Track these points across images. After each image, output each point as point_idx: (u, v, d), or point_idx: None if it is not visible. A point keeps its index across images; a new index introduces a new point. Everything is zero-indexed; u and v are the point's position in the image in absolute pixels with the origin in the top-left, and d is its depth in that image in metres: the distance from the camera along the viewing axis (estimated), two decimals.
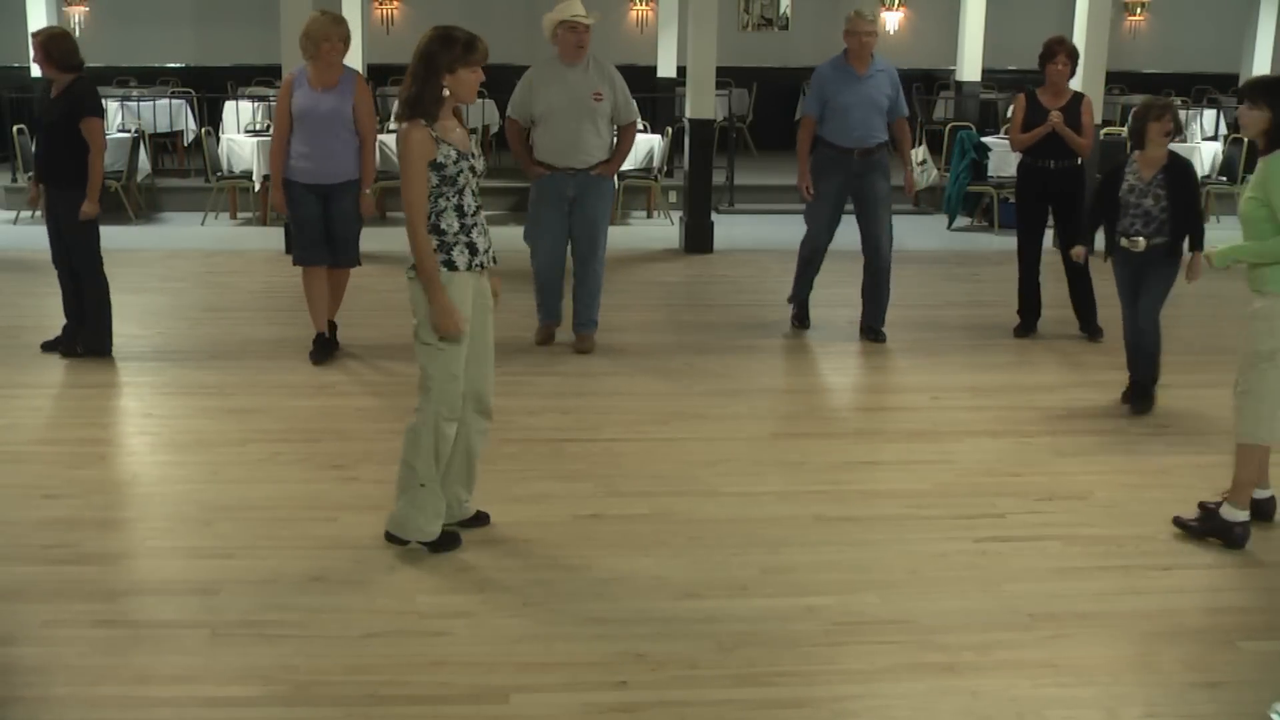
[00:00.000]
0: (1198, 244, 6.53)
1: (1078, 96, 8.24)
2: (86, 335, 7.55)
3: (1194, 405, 6.89)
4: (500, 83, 8.93)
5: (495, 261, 4.84)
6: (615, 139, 7.81)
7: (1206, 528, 5.12)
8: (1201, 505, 5.21)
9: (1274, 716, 3.75)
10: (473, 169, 4.69)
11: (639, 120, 8.45)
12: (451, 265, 4.63)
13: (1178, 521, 5.20)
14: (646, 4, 18.10)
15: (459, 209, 4.66)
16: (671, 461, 5.94)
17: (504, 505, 5.33)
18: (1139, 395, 6.73)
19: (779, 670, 4.06)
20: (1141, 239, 6.53)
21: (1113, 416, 6.65)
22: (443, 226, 4.64)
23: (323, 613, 4.39)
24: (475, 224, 4.71)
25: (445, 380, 4.70)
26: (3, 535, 5.00)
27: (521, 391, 6.96)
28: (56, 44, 7.27)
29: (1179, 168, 6.56)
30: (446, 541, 4.88)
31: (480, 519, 5.11)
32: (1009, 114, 15.46)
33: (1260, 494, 5.23)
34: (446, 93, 4.57)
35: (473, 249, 4.69)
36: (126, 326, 8.15)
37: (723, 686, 3.97)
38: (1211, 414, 6.73)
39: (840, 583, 4.65)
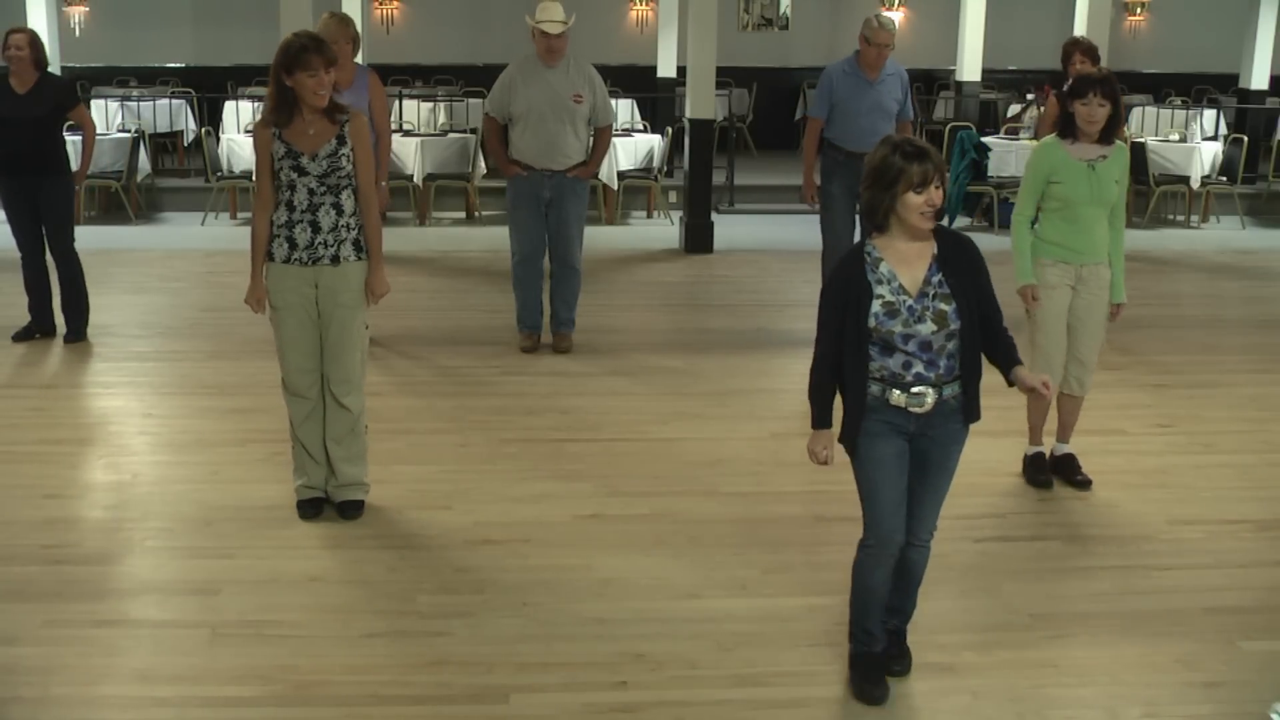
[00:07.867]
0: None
1: None
2: (78, 324, 7.82)
3: (1194, 405, 6.89)
4: None
5: (340, 261, 4.96)
6: (592, 142, 7.75)
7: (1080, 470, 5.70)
8: (1056, 462, 5.77)
9: (1274, 717, 3.75)
10: (297, 168, 4.88)
11: (615, 124, 8.39)
12: (270, 256, 4.99)
13: (1083, 482, 5.64)
14: (646, 4, 18.10)
15: (289, 204, 4.95)
16: (671, 461, 5.94)
17: (504, 505, 5.34)
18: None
19: (779, 670, 4.07)
20: None
21: (1112, 417, 6.65)
22: (274, 218, 4.99)
23: (323, 613, 4.39)
24: (302, 220, 4.93)
25: (279, 355, 5.13)
26: (3, 535, 5.00)
27: (521, 391, 6.96)
28: (39, 45, 7.67)
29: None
30: (301, 506, 5.18)
31: (345, 508, 5.17)
32: (1009, 113, 15.60)
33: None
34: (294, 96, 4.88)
35: (292, 243, 4.95)
36: (126, 327, 8.17)
37: (723, 686, 3.97)
38: (1211, 414, 6.74)
39: (840, 583, 4.60)
